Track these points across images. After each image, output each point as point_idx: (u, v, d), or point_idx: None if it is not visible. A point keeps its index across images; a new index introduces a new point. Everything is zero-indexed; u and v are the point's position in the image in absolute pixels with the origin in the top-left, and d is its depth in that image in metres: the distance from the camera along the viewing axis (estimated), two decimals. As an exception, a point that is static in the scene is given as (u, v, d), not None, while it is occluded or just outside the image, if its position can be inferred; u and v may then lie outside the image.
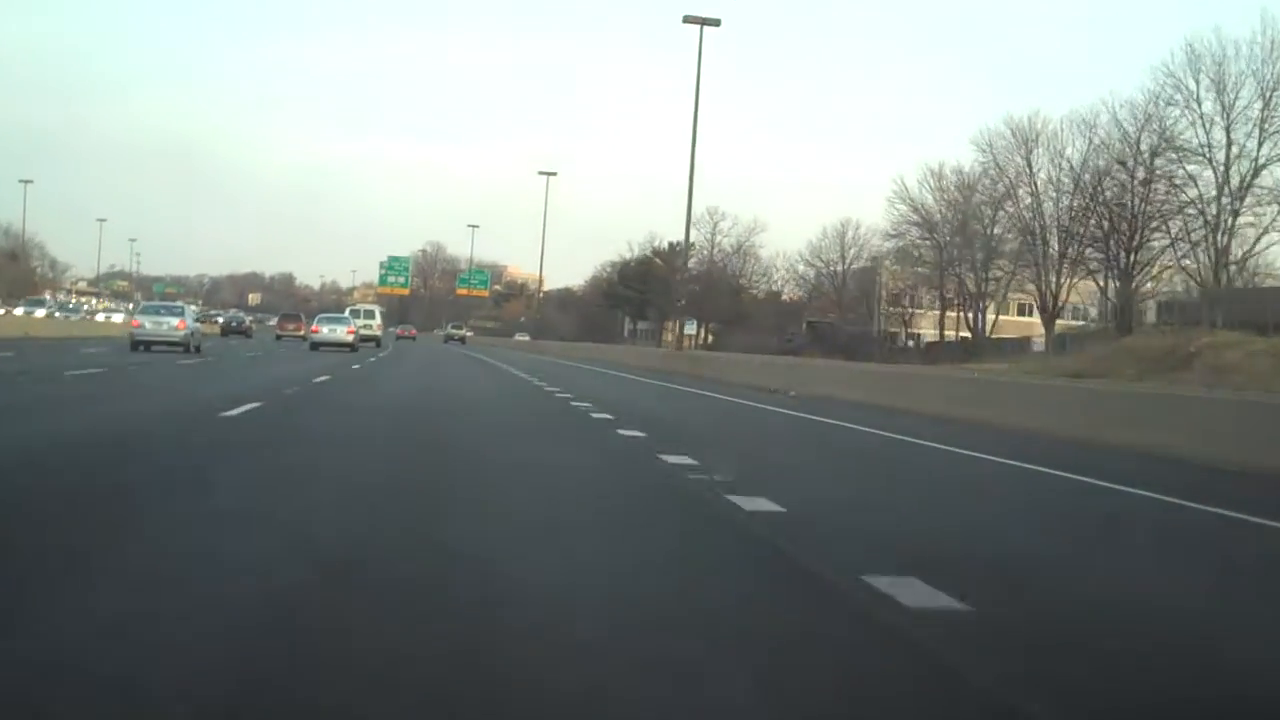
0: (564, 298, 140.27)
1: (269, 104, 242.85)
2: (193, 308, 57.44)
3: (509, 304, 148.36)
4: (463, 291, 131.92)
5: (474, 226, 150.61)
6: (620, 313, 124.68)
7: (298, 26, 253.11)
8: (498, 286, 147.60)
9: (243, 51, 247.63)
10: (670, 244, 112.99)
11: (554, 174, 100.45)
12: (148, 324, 38.62)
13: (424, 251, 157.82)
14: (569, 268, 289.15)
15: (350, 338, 50.74)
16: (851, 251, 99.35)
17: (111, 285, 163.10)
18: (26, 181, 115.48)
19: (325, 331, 51.12)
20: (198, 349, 38.59)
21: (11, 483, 7.50)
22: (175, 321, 38.42)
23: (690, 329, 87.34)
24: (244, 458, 9.58)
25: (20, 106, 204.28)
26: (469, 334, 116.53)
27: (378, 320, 66.73)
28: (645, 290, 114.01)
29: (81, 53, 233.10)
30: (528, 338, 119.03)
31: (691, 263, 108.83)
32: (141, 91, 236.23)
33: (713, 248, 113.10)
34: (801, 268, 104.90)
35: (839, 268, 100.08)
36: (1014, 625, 4.86)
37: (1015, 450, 13.85)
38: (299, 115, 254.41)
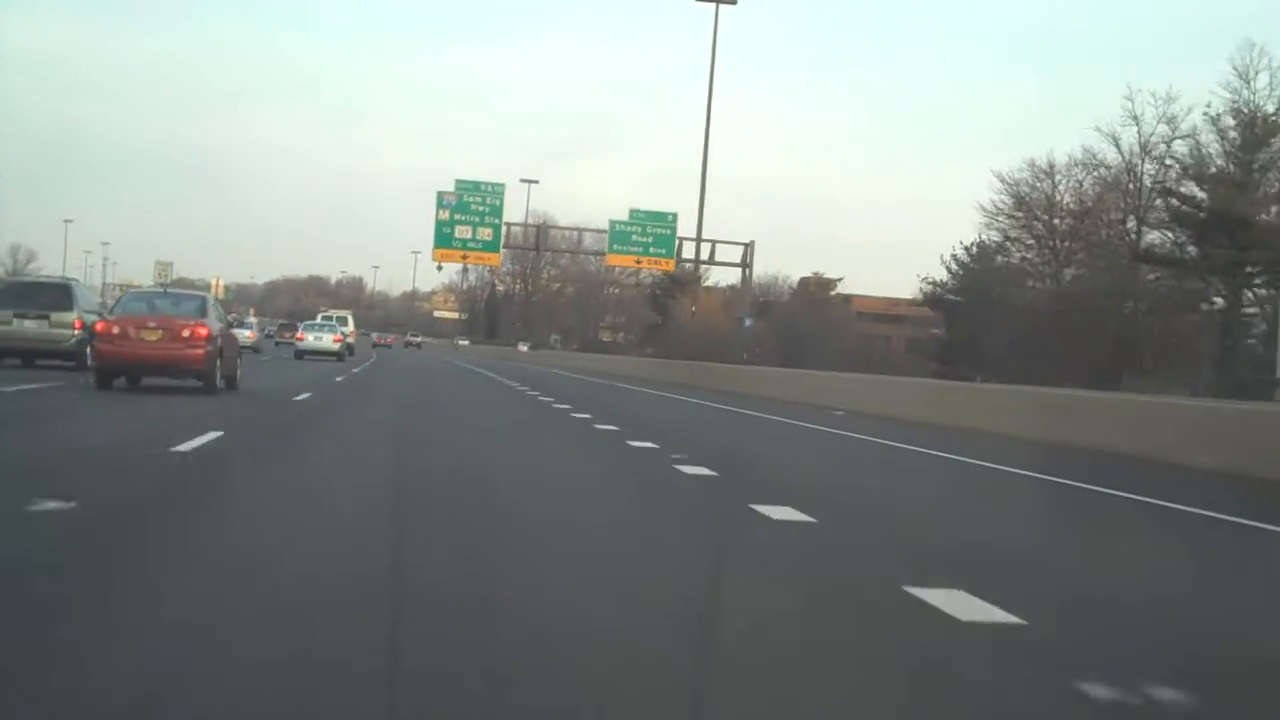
0: (771, 301, 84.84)
1: (309, 108, 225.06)
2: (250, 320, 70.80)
3: (695, 296, 70.59)
4: (621, 259, 61.75)
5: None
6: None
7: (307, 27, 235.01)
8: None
9: (274, 60, 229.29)
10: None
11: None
12: None
13: (526, 212, 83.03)
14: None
15: (336, 346, 51.37)
16: None
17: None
18: (68, 221, 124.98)
19: (311, 339, 52.03)
20: (258, 350, 52.54)
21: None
22: (246, 334, 48.66)
23: None
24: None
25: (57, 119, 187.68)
26: (424, 339, 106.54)
27: (350, 327, 64.56)
28: None
29: (104, 67, 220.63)
30: (527, 347, 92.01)
31: None
32: (160, 103, 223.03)
33: None
34: None
35: None
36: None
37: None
38: (316, 116, 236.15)
